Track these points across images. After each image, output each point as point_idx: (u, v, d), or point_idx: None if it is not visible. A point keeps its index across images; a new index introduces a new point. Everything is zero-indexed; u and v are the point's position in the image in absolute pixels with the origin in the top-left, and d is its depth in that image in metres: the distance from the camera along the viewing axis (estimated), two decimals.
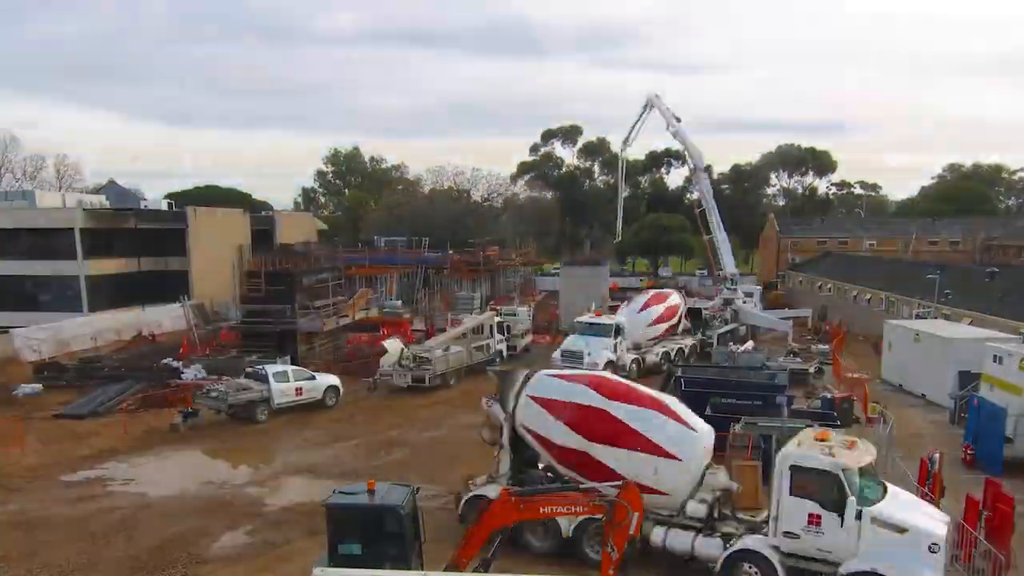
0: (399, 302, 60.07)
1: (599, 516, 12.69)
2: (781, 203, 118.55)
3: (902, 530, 13.28)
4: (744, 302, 47.51)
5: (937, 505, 17.10)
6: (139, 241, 51.12)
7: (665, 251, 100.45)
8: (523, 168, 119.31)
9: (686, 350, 40.97)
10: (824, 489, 13.60)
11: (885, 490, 14.35)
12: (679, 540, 15.61)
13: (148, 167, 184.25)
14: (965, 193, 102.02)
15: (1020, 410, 23.63)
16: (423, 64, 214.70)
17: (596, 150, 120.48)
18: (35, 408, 30.78)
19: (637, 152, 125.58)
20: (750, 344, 41.53)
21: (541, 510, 12.91)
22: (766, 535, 14.60)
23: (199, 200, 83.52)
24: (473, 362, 36.58)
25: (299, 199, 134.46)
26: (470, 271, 63.89)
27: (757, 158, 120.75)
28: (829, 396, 28.59)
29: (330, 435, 27.08)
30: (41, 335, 40.41)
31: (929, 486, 17.95)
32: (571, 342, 35.85)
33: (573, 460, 16.73)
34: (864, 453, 14.29)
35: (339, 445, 25.87)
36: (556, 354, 35.63)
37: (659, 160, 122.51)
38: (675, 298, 43.28)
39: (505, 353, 40.40)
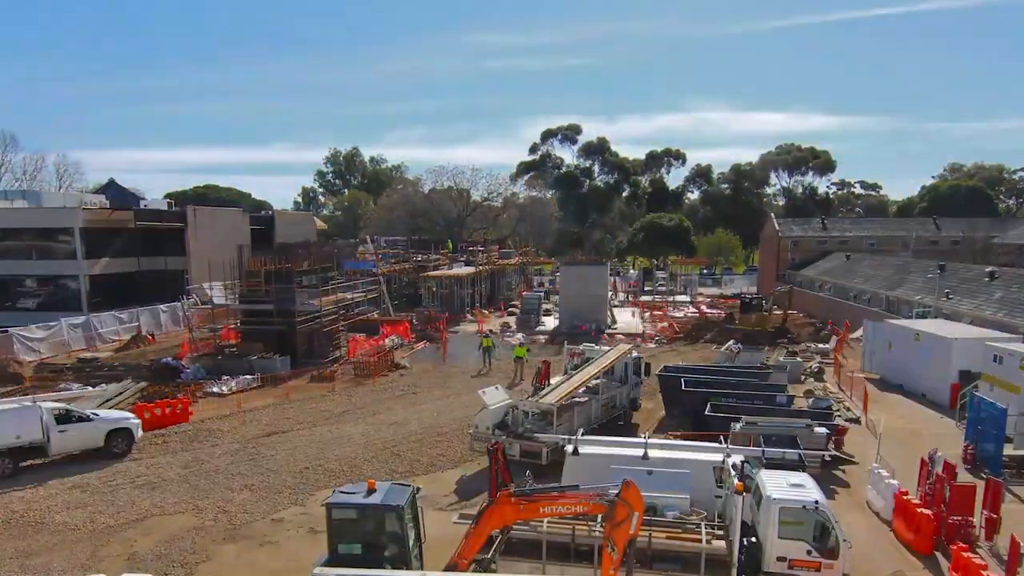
0: (397, 303, 60.14)
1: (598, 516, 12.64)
2: (781, 203, 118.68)
3: None
4: None
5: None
6: (139, 241, 51.08)
7: (665, 250, 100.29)
8: (523, 168, 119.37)
9: None
10: None
11: None
12: None
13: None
14: (966, 192, 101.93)
15: (1020, 410, 23.64)
16: None
17: (596, 150, 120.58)
18: None
19: (637, 152, 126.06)
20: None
21: (541, 510, 12.85)
22: None
23: (199, 200, 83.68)
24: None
25: (299, 199, 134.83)
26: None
27: (757, 158, 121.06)
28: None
29: None
30: (40, 335, 40.39)
31: (930, 485, 18.00)
32: None
33: None
34: None
35: None
36: None
37: (659, 159, 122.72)
38: None
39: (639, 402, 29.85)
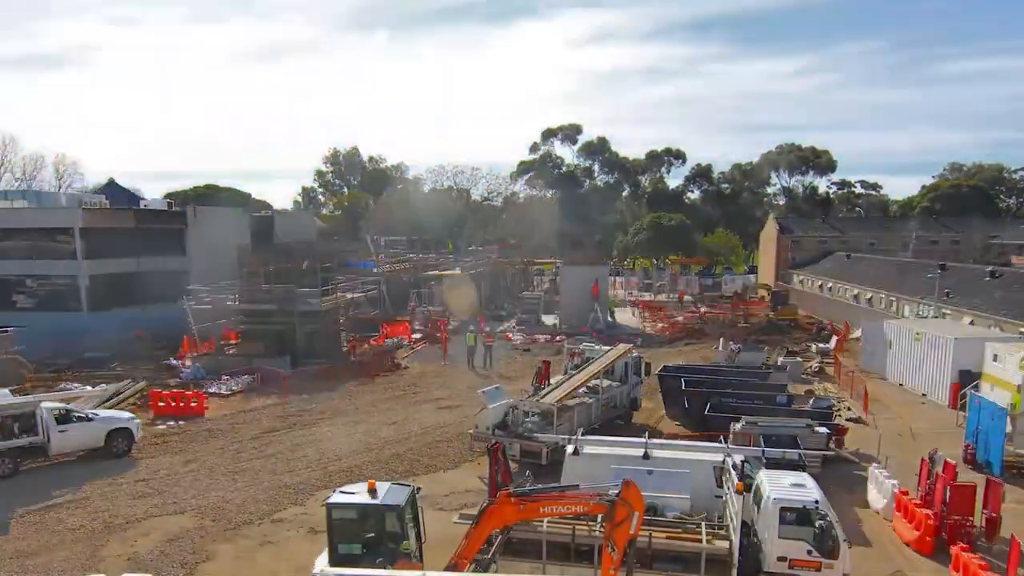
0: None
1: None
2: (782, 202, 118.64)
3: None
4: None
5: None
6: (139, 241, 50.99)
7: (666, 250, 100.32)
8: (523, 167, 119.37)
9: None
10: None
11: None
12: None
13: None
14: (966, 192, 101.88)
15: (1020, 409, 23.65)
16: None
17: (596, 149, 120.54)
18: None
19: (637, 151, 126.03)
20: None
21: (541, 510, 12.85)
22: None
23: (199, 200, 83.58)
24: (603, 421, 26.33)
25: (299, 199, 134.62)
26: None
27: (757, 158, 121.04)
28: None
29: None
30: (40, 335, 40.30)
31: (931, 484, 18.01)
32: None
33: None
34: None
35: None
36: None
37: (659, 159, 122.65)
38: None
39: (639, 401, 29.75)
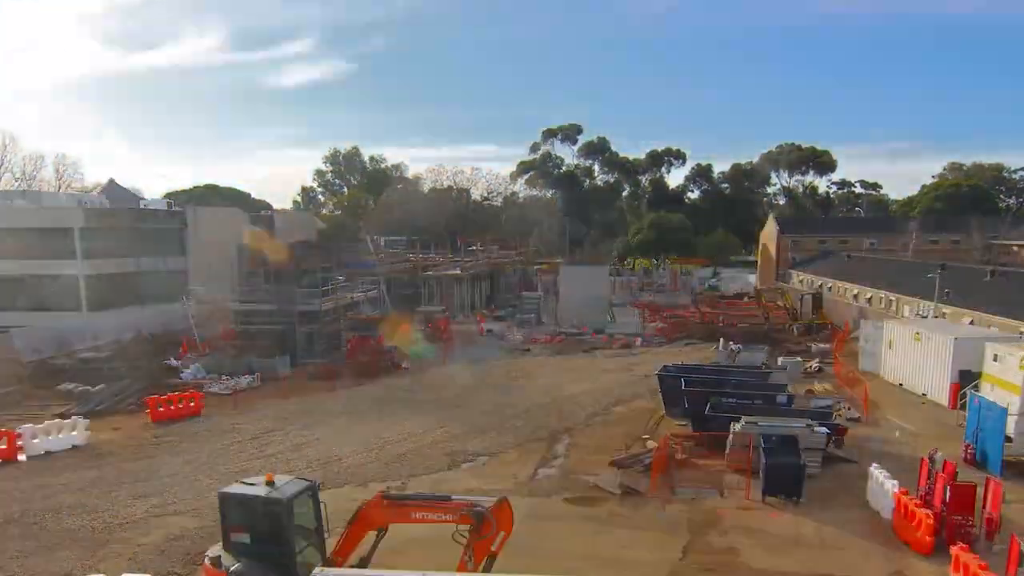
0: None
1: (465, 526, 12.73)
2: (782, 202, 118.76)
3: None
4: None
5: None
6: (138, 241, 51.01)
7: (666, 250, 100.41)
8: (523, 167, 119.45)
9: None
10: None
11: None
12: None
13: None
14: (966, 192, 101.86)
15: (1020, 409, 23.64)
16: None
17: (596, 149, 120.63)
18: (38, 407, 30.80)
19: (638, 151, 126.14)
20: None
21: (412, 515, 13.18)
22: None
23: (198, 199, 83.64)
24: None
25: (299, 199, 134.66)
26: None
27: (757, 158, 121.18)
28: None
29: None
30: (40, 335, 40.33)
31: (931, 484, 18.01)
32: None
33: None
34: None
35: None
36: None
37: (659, 159, 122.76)
38: None
39: None
